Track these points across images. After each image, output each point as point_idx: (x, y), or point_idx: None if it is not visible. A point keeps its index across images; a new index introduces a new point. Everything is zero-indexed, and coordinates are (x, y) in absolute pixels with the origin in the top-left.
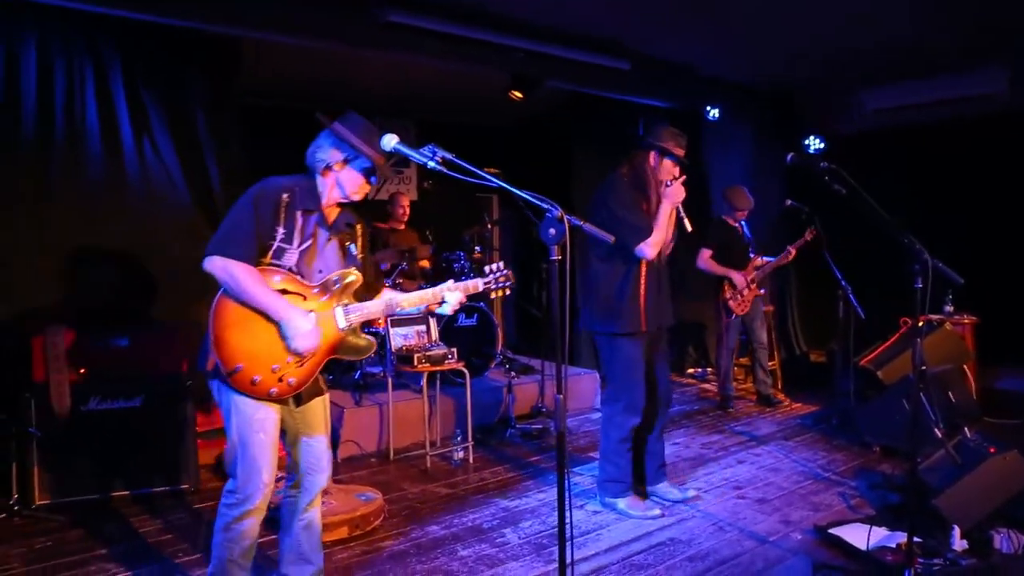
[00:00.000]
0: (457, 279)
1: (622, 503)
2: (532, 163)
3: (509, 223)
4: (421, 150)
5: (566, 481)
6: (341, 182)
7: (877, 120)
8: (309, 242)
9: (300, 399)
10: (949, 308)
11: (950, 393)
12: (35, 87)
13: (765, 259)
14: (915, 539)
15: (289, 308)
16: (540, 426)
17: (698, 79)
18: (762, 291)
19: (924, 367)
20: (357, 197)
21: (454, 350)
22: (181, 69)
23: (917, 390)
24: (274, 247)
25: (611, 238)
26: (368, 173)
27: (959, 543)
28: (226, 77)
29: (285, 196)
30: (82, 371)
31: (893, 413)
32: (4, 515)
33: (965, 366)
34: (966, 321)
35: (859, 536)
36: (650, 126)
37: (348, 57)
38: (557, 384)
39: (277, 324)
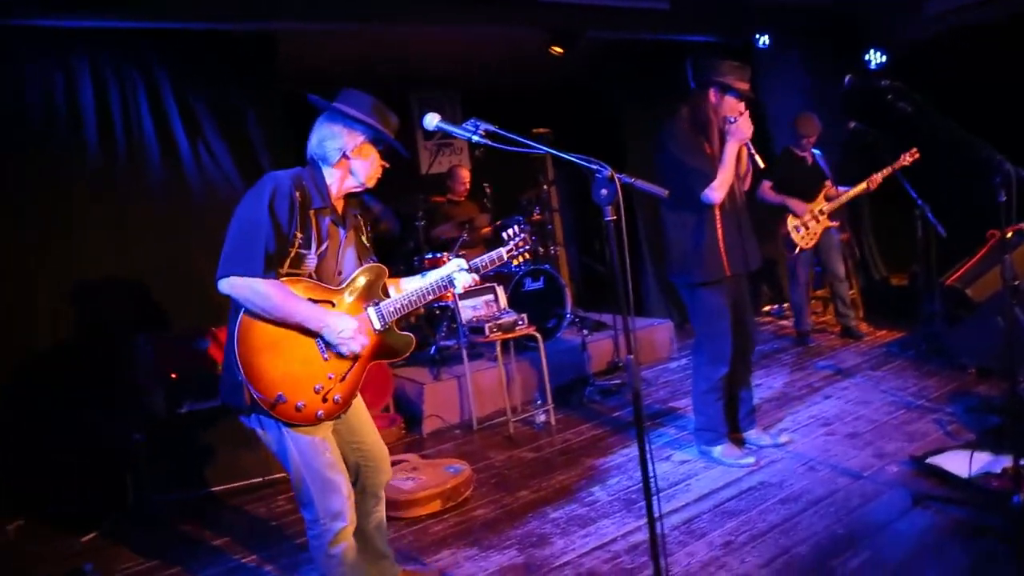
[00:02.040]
0: None
1: (716, 451)
2: (582, 119)
3: (565, 181)
4: (464, 125)
5: (646, 438)
6: (356, 169)
7: (941, 24)
8: (326, 244)
9: (343, 412)
10: None
11: None
12: (94, 110)
13: (842, 188)
14: (1021, 462)
15: (328, 314)
16: (618, 381)
17: (743, 6)
18: (835, 223)
19: (1016, 281)
20: (372, 183)
21: (524, 316)
22: (224, 70)
23: (1011, 306)
24: (293, 254)
25: (664, 192)
26: (383, 155)
27: None
28: (264, 72)
29: (298, 194)
30: (173, 376)
31: (987, 332)
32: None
33: None
34: None
35: (959, 463)
36: (704, 62)
37: (383, 34)
38: (627, 345)
39: (315, 337)
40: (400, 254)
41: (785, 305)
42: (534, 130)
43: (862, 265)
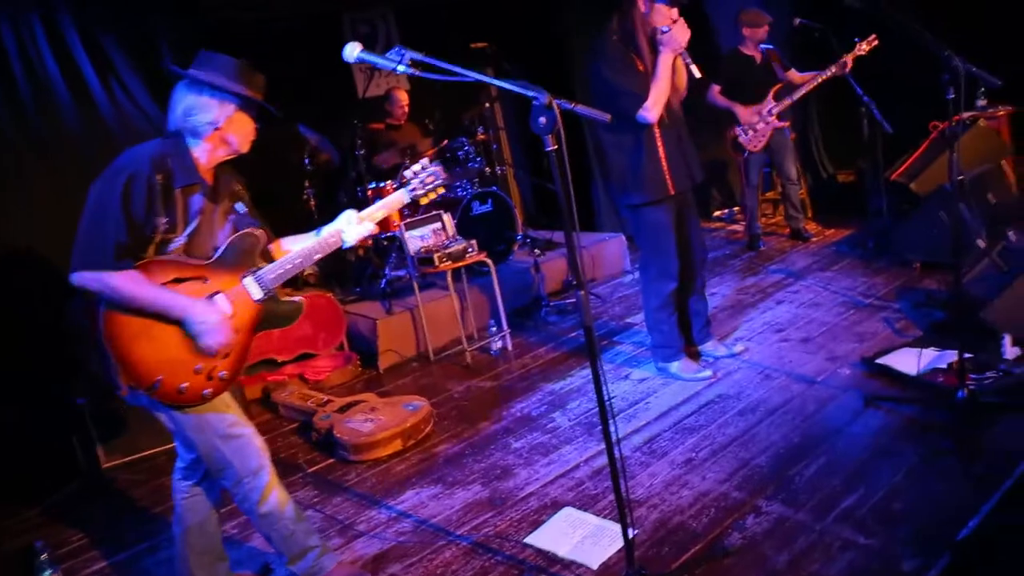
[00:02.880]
0: (464, 167)
1: (674, 366)
2: (525, 32)
3: (510, 97)
4: (387, 54)
5: (601, 362)
6: (229, 139)
7: None
8: (196, 221)
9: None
10: (982, 102)
11: (989, 195)
12: None
13: (806, 74)
14: (965, 355)
15: (188, 303)
16: (573, 300)
17: None
18: (784, 122)
19: (961, 176)
20: (247, 148)
21: (473, 242)
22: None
23: (955, 200)
24: (158, 240)
25: (607, 117)
26: (256, 117)
27: (1011, 351)
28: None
29: (159, 177)
30: None
31: (931, 227)
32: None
33: (1003, 162)
34: (1000, 113)
35: (908, 361)
36: None
37: None
38: (576, 280)
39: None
40: (342, 185)
41: (736, 209)
42: (472, 44)
43: (808, 164)
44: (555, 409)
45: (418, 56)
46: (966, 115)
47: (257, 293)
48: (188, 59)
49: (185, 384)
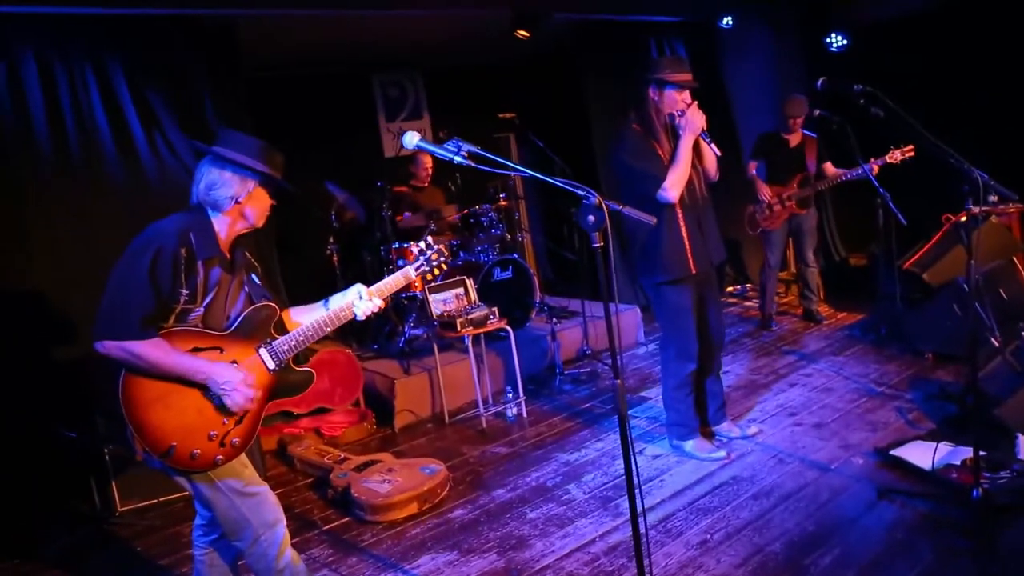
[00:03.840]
0: (487, 233)
1: (689, 445)
2: (547, 98)
3: (531, 165)
4: (445, 145)
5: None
6: (248, 214)
7: (901, 6)
8: (213, 292)
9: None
10: (994, 198)
11: (1001, 290)
12: (42, 101)
13: (841, 170)
14: (980, 453)
15: (211, 365)
16: (588, 369)
17: None
18: (803, 210)
19: (976, 273)
20: (262, 223)
21: (495, 309)
22: (180, 58)
23: (972, 299)
24: (178, 310)
25: (652, 220)
26: (273, 195)
27: None
28: (226, 59)
29: (183, 251)
30: None
31: (944, 318)
32: (88, 524)
33: (1015, 258)
34: (1012, 210)
35: (922, 455)
36: (643, 64)
37: (344, 18)
38: (613, 370)
39: (201, 387)
40: (366, 243)
41: (748, 286)
42: (500, 115)
43: (822, 246)
44: (570, 480)
45: (474, 149)
46: (977, 210)
47: (271, 363)
48: (229, 117)
49: (197, 451)
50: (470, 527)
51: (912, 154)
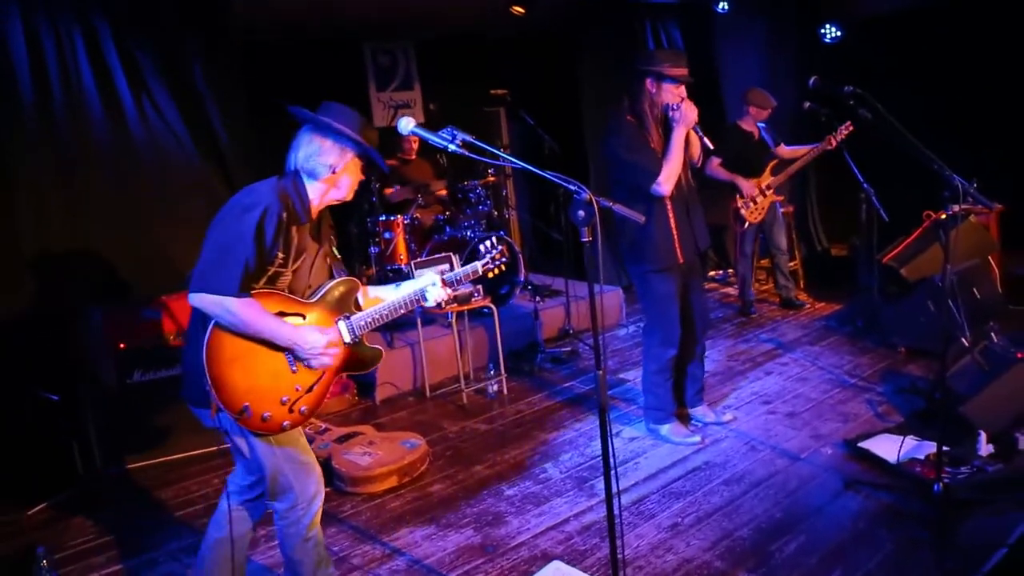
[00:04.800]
0: (474, 209)
1: (664, 429)
2: (541, 74)
3: (520, 143)
4: (440, 133)
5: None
6: (341, 184)
7: (897, 2)
8: (303, 258)
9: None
10: None
11: (975, 290)
12: (27, 60)
13: (795, 148)
14: (943, 448)
15: (298, 330)
16: (569, 348)
17: None
18: (780, 196)
19: (953, 269)
20: (351, 196)
21: (480, 287)
22: (170, 20)
23: (945, 297)
24: (270, 272)
25: (641, 218)
26: (367, 169)
27: (985, 448)
28: (217, 22)
29: (285, 215)
30: (122, 346)
31: (919, 314)
32: (70, 487)
33: (990, 257)
34: (991, 211)
35: (888, 448)
36: (639, 54)
37: None
38: (596, 360)
39: (284, 352)
40: (353, 215)
41: (730, 271)
42: (492, 91)
43: (804, 236)
44: (547, 459)
45: (469, 138)
46: (958, 208)
47: (348, 337)
48: (220, 81)
49: (269, 413)
50: (448, 502)
51: (852, 129)
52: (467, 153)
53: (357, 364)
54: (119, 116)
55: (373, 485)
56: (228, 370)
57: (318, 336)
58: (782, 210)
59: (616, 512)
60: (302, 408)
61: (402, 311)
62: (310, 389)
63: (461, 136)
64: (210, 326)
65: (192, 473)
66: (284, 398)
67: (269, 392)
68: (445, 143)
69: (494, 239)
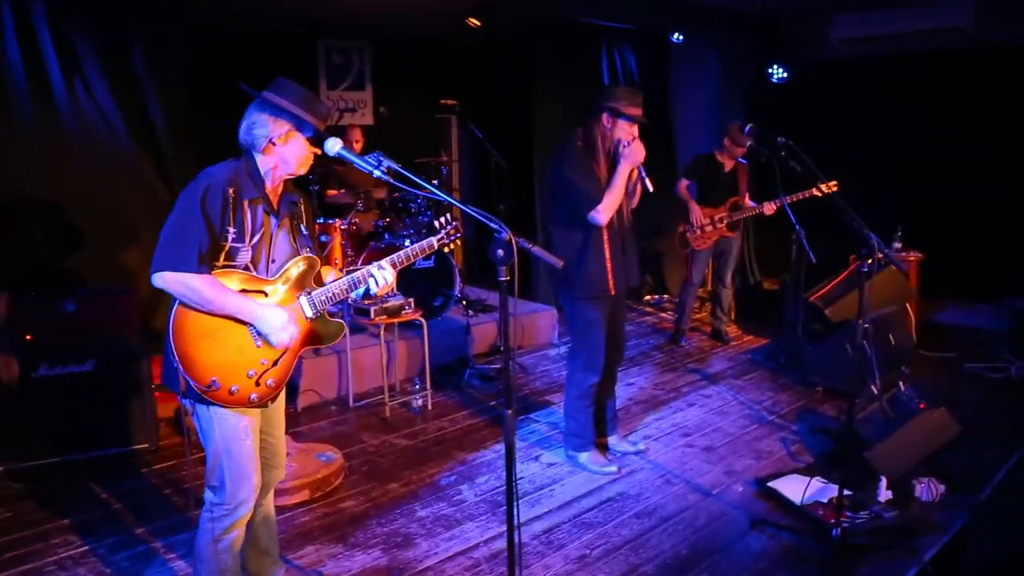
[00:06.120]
0: (414, 218)
1: (583, 457)
2: (495, 85)
3: (467, 155)
4: (366, 158)
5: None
6: (285, 157)
7: (843, 50)
8: (259, 234)
9: (274, 397)
10: (897, 245)
11: (891, 335)
12: None
13: (752, 204)
14: (845, 492)
15: (259, 307)
16: (498, 366)
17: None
18: (732, 233)
19: (869, 316)
20: (303, 170)
21: (411, 300)
22: (110, 2)
23: (860, 344)
24: (227, 249)
25: (559, 263)
26: (313, 142)
27: (885, 494)
28: (161, 7)
29: (231, 190)
30: (28, 337)
31: (837, 356)
32: None
33: (908, 304)
34: (912, 259)
35: (796, 489)
36: (600, 89)
37: None
38: (507, 400)
39: (248, 326)
40: None
41: (666, 296)
42: (442, 100)
43: (739, 268)
44: (464, 481)
45: (395, 166)
46: (882, 255)
47: (309, 312)
48: (160, 62)
49: (236, 387)
50: (359, 520)
51: (836, 188)
52: (391, 180)
53: (319, 338)
54: (47, 96)
55: (284, 498)
56: (195, 347)
57: (277, 314)
58: (737, 246)
59: (525, 542)
60: (268, 381)
61: (356, 290)
62: (275, 363)
63: (387, 163)
64: (175, 304)
65: (92, 476)
66: (251, 371)
67: (236, 366)
68: (370, 168)
69: (448, 215)
